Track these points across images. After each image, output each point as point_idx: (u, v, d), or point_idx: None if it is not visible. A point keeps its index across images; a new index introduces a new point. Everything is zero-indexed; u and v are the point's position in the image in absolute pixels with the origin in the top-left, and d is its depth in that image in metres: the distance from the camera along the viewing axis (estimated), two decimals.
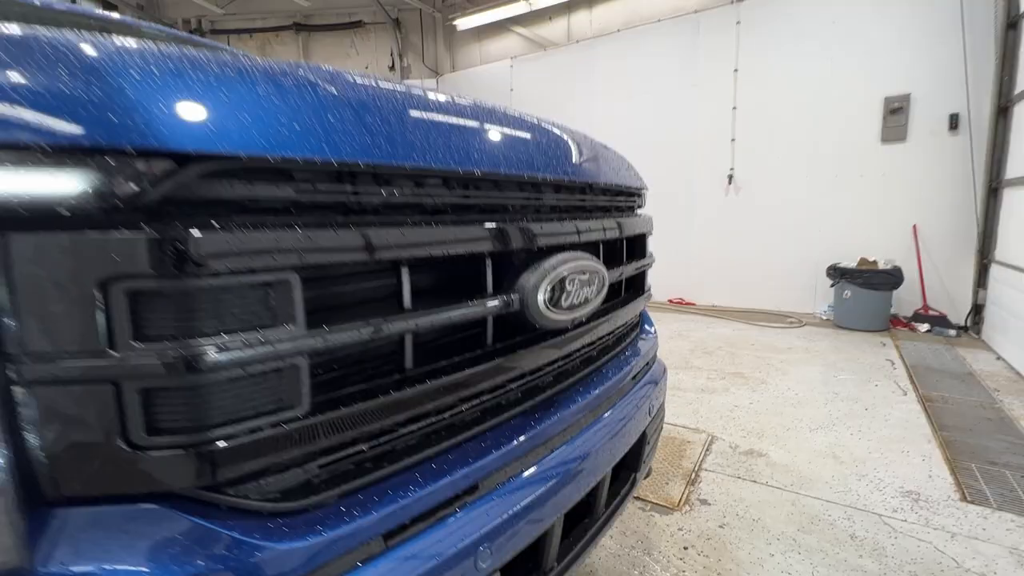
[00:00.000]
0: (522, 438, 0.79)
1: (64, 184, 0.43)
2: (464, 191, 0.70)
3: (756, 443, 2.40)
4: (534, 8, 6.62)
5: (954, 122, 4.41)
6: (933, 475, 2.09)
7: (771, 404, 2.87)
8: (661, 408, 1.29)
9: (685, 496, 1.96)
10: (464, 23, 7.15)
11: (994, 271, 4.08)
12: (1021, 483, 2.02)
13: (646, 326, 1.40)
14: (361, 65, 8.04)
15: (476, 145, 0.72)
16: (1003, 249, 3.97)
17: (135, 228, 0.44)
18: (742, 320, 5.03)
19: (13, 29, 0.47)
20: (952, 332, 4.26)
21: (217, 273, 0.47)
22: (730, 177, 5.59)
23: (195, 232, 0.45)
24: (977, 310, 4.29)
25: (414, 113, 0.67)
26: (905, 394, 2.99)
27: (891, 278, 4.43)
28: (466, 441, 0.74)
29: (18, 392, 0.44)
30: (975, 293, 4.32)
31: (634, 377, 1.15)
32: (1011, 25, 3.95)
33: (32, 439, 0.45)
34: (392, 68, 7.95)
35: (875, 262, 4.55)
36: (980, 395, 2.96)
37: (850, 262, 4.71)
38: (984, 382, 3.17)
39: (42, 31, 0.48)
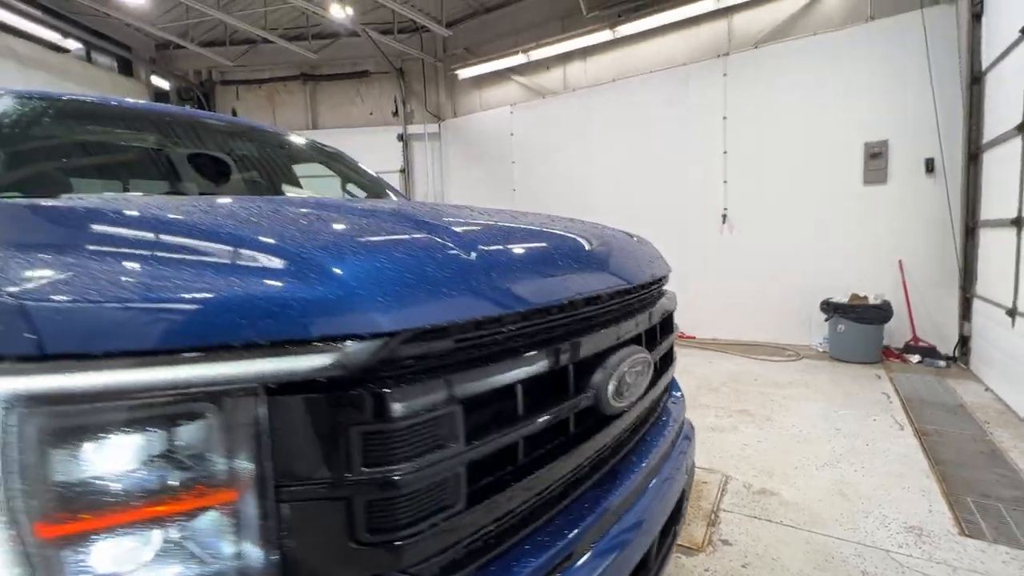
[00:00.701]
0: (595, 509, 0.96)
1: (313, 361, 0.61)
2: (561, 315, 0.90)
3: (768, 482, 2.56)
4: (532, 59, 7.02)
5: (930, 166, 4.74)
6: (933, 510, 2.26)
7: (778, 442, 3.04)
8: (693, 464, 1.47)
9: (708, 537, 2.11)
10: (465, 73, 7.54)
11: (977, 305, 4.34)
12: (1013, 515, 2.19)
13: (674, 391, 1.58)
14: (366, 111, 8.38)
15: (573, 276, 0.92)
16: (983, 284, 4.23)
17: (359, 388, 0.63)
18: (742, 354, 5.23)
19: (262, 257, 0.67)
20: (942, 363, 4.49)
21: (414, 414, 0.65)
22: (724, 216, 5.89)
23: (400, 389, 0.64)
24: (964, 341, 4.53)
25: (529, 260, 0.87)
26: (902, 428, 3.18)
27: (881, 312, 4.68)
28: (556, 516, 0.91)
29: (281, 507, 0.61)
30: (961, 325, 4.57)
31: (672, 441, 1.33)
32: (975, 80, 4.32)
33: (287, 542, 0.62)
34: (396, 114, 8.29)
35: (865, 297, 4.80)
36: (972, 428, 3.15)
37: (842, 296, 4.96)
38: (975, 414, 3.37)
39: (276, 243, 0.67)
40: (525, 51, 6.89)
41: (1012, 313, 3.44)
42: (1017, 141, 3.43)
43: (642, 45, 6.36)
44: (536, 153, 7.27)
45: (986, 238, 4.21)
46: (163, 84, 8.31)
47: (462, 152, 8.09)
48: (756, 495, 2.44)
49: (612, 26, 6.21)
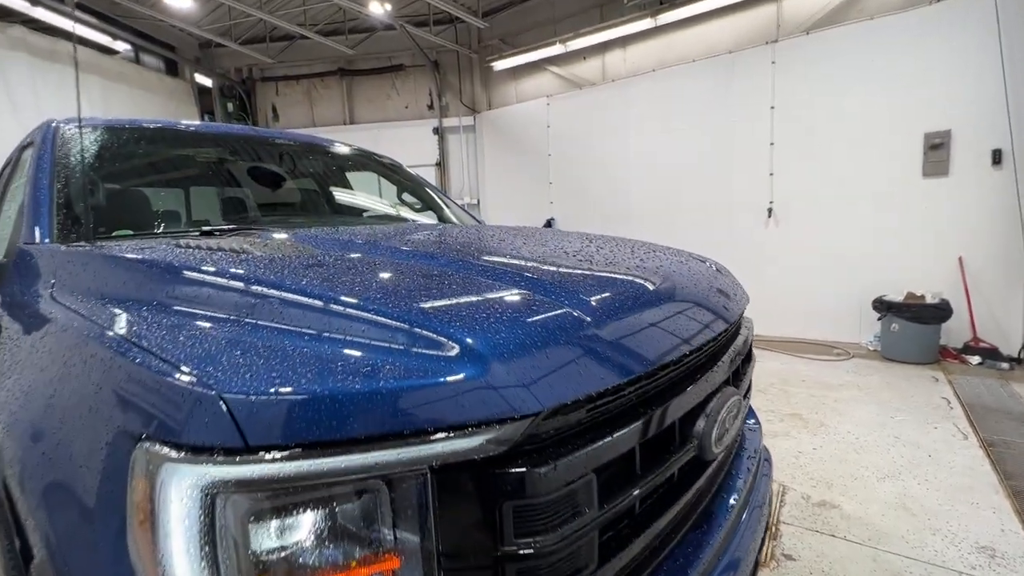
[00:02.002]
0: (699, 554, 0.99)
1: (471, 443, 0.65)
2: (672, 369, 0.92)
3: (827, 493, 2.54)
4: (569, 49, 6.91)
5: (997, 157, 4.49)
6: (1005, 529, 2.21)
7: (834, 450, 3.00)
8: (770, 492, 1.48)
9: (770, 551, 2.12)
10: (500, 64, 7.48)
11: None
12: None
13: (749, 419, 1.59)
14: (401, 105, 8.44)
15: (680, 326, 0.94)
16: None
17: (511, 464, 0.66)
18: (788, 351, 5.13)
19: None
20: (1005, 365, 4.31)
21: (559, 486, 0.69)
22: (769, 211, 5.73)
23: (545, 463, 0.67)
24: None
25: (643, 317, 0.89)
26: (966, 438, 3.08)
27: (940, 312, 4.50)
28: (664, 562, 0.94)
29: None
30: None
31: (755, 472, 1.34)
32: None
33: None
34: (431, 107, 8.32)
35: (923, 296, 4.62)
36: None
37: (895, 294, 4.79)
38: None
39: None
40: (563, 41, 6.78)
41: None
42: None
43: (684, 33, 6.17)
44: (573, 145, 7.20)
45: None
46: (206, 82, 8.53)
47: (498, 144, 8.08)
48: (816, 507, 2.42)
49: (654, 14, 6.04)
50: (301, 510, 0.61)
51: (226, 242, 1.26)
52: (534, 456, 0.68)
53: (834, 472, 2.74)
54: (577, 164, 7.20)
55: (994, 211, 4.54)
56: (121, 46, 7.29)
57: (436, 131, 8.28)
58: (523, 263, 1.06)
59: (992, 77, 4.42)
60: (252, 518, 0.60)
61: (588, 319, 0.82)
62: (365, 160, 2.57)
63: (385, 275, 0.96)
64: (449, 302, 0.81)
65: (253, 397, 0.60)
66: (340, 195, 2.46)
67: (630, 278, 1.02)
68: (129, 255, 1.06)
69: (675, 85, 6.21)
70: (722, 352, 1.16)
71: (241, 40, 7.93)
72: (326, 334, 0.71)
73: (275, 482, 0.59)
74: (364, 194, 2.47)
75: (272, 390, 0.60)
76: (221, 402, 0.59)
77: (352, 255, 1.15)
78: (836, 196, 5.30)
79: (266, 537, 0.61)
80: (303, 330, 0.73)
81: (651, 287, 1.03)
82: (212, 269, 0.97)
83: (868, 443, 3.07)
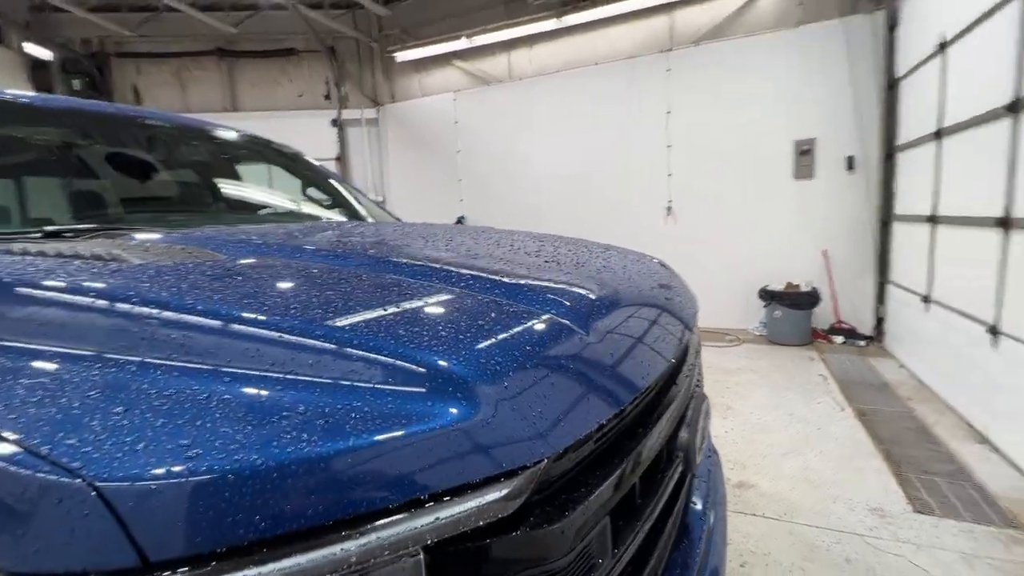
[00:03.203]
0: (689, 570, 0.93)
1: (469, 506, 0.50)
2: (660, 384, 0.84)
3: (742, 474, 2.71)
4: (475, 44, 6.79)
5: (850, 163, 5.19)
6: (887, 489, 2.51)
7: (742, 432, 3.23)
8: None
9: None
10: (404, 55, 7.16)
11: (890, 290, 4.86)
12: (951, 488, 2.49)
13: None
14: (294, 93, 7.73)
15: (662, 340, 0.86)
16: (896, 272, 4.74)
17: (523, 522, 0.53)
18: None
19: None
20: (862, 343, 5.00)
21: (576, 541, 0.57)
22: (668, 208, 6.11)
23: (562, 518, 0.55)
24: (879, 323, 5.07)
25: (634, 334, 0.80)
26: (843, 410, 3.50)
27: (811, 298, 5.11)
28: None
29: None
30: (876, 308, 5.11)
31: (715, 473, 1.33)
32: (890, 86, 4.75)
33: None
34: (328, 97, 7.72)
35: (798, 285, 5.21)
36: (898, 405, 3.54)
37: (776, 284, 5.35)
38: (897, 391, 3.79)
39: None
40: (469, 36, 6.64)
41: (926, 300, 3.88)
42: (931, 147, 3.83)
43: (588, 36, 6.35)
44: (482, 142, 7.11)
45: (898, 231, 4.69)
46: (43, 54, 7.10)
47: (403, 139, 7.73)
48: (736, 489, 2.57)
49: (559, 15, 6.14)
50: None
51: (85, 247, 0.95)
52: (546, 509, 0.55)
53: (745, 453, 2.95)
54: (486, 161, 7.12)
55: (850, 210, 5.24)
56: None
57: (335, 123, 7.71)
58: (494, 269, 0.92)
59: (844, 92, 5.09)
60: None
61: (586, 334, 0.71)
62: (260, 148, 2.23)
63: (325, 287, 0.76)
64: (421, 321, 0.65)
65: (148, 483, 0.39)
66: (231, 189, 2.09)
67: (613, 286, 0.92)
68: None
69: (581, 86, 6.37)
70: (689, 355, 1.12)
71: (88, 6, 6.71)
72: (256, 372, 0.51)
73: None
74: (262, 189, 2.13)
75: (173, 470, 0.40)
76: (94, 494, 0.38)
77: (270, 261, 0.92)
78: (725, 195, 5.79)
79: None
80: (221, 368, 0.52)
81: (632, 295, 0.94)
82: (68, 285, 0.69)
83: (769, 423, 3.35)
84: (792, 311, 5.09)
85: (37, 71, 7.12)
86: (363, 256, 0.96)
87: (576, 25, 6.27)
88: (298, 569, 0.41)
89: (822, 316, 5.36)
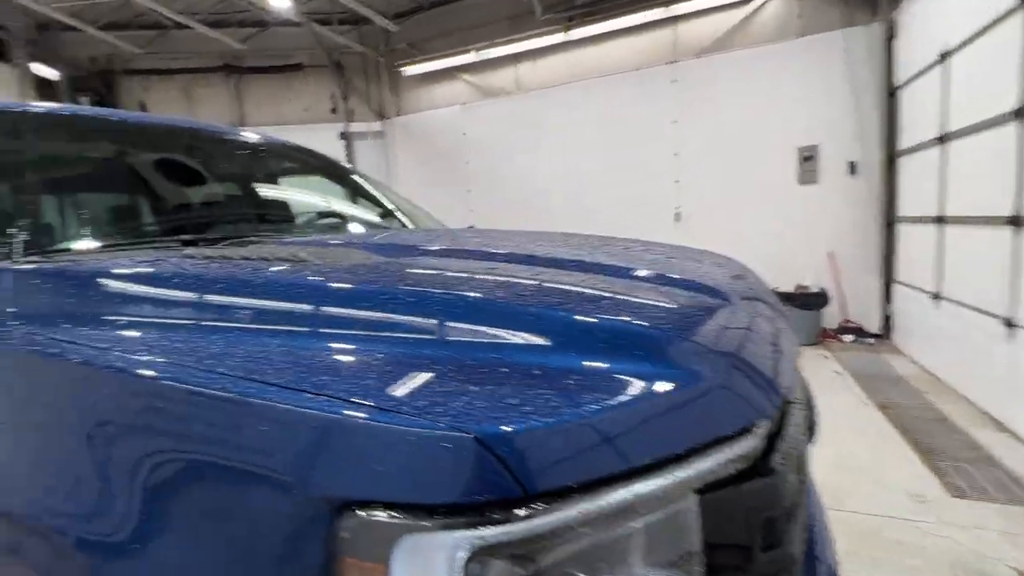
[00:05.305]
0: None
1: (733, 454, 0.60)
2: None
3: None
4: (482, 58, 6.94)
5: (852, 168, 5.39)
6: (922, 476, 2.62)
7: None
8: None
9: None
10: (413, 69, 7.29)
11: (897, 289, 5.04)
12: (981, 473, 2.61)
13: None
14: (300, 107, 7.81)
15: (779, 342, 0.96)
16: (903, 271, 4.92)
17: (762, 471, 0.63)
18: None
19: None
20: (871, 341, 5.17)
21: (786, 480, 0.66)
22: (677, 215, 6.27)
23: (783, 464, 0.65)
24: (887, 320, 5.24)
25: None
26: (866, 404, 3.63)
27: (820, 299, 5.27)
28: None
29: None
30: (883, 307, 5.28)
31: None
32: (891, 93, 4.97)
33: None
34: (334, 111, 7.82)
35: (808, 286, 5.38)
36: (917, 398, 3.68)
37: (786, 285, 5.52)
38: (914, 385, 3.94)
39: None
40: (477, 50, 6.79)
41: (936, 296, 4.05)
42: (935, 151, 4.02)
43: (593, 49, 6.53)
44: (491, 153, 7.23)
45: (904, 232, 4.88)
46: (49, 73, 7.11)
47: (412, 151, 7.83)
48: None
49: (565, 29, 6.32)
50: (578, 547, 0.51)
51: (285, 251, 1.01)
52: (774, 455, 0.65)
53: None
54: (495, 171, 7.25)
55: (854, 213, 5.44)
56: None
57: (343, 136, 7.79)
58: (656, 266, 1.02)
59: (846, 100, 5.31)
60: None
61: (762, 317, 0.81)
62: (323, 165, 2.32)
63: (563, 279, 0.86)
64: (660, 308, 0.75)
65: (523, 433, 0.49)
66: (317, 200, 2.16)
67: (747, 279, 1.03)
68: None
69: (587, 97, 6.54)
70: None
71: (99, 24, 6.76)
72: (557, 351, 0.61)
73: (560, 534, 0.49)
74: (338, 199, 2.22)
75: (544, 421, 0.50)
76: (481, 445, 0.48)
77: (463, 262, 1.01)
78: (732, 201, 5.96)
79: None
80: (532, 342, 0.63)
81: (761, 287, 1.05)
82: (339, 282, 0.82)
83: None
84: (802, 312, 5.25)
85: (42, 90, 7.13)
86: (545, 258, 1.03)
87: (582, 39, 6.45)
88: (625, 502, 0.51)
89: (830, 316, 5.53)
